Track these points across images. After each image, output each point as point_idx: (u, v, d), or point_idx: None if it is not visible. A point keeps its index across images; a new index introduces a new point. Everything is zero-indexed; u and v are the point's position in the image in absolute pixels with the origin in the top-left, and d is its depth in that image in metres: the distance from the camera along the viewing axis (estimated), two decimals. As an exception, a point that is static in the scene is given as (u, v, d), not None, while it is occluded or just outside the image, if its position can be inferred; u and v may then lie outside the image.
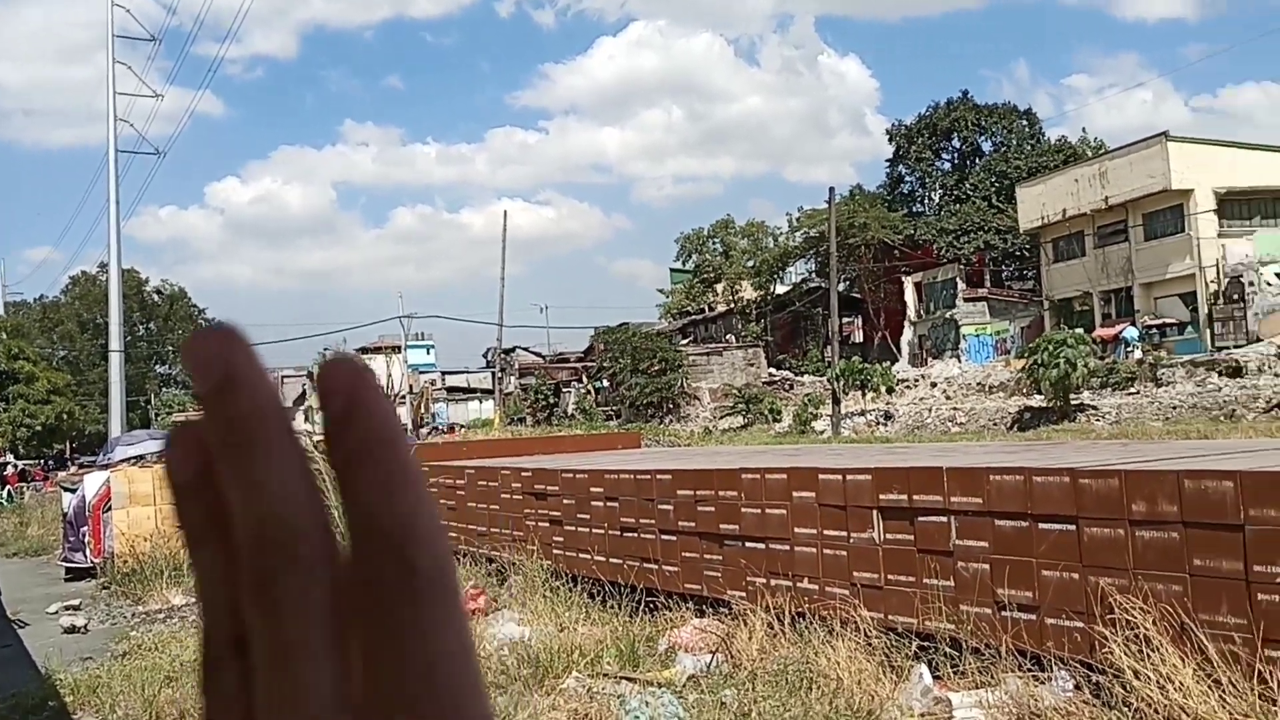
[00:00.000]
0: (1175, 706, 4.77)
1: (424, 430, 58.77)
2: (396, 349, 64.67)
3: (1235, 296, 36.62)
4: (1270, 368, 30.32)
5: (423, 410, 63.36)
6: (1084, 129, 79.83)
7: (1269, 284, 35.89)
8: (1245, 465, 5.57)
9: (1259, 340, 33.59)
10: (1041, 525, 5.89)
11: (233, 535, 0.33)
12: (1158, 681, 4.91)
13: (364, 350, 66.19)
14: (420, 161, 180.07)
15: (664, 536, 8.66)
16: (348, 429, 0.33)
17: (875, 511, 6.93)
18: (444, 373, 73.37)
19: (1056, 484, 5.86)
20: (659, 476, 8.83)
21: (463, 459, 14.79)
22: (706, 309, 68.13)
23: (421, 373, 69.40)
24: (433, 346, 74.84)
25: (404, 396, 60.47)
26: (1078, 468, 5.90)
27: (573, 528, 9.87)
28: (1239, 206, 40.03)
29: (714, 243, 68.38)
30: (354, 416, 0.33)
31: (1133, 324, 40.26)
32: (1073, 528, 5.72)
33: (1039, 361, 30.25)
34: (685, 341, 61.35)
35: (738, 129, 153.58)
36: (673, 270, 73.66)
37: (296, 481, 0.33)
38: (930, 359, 51.70)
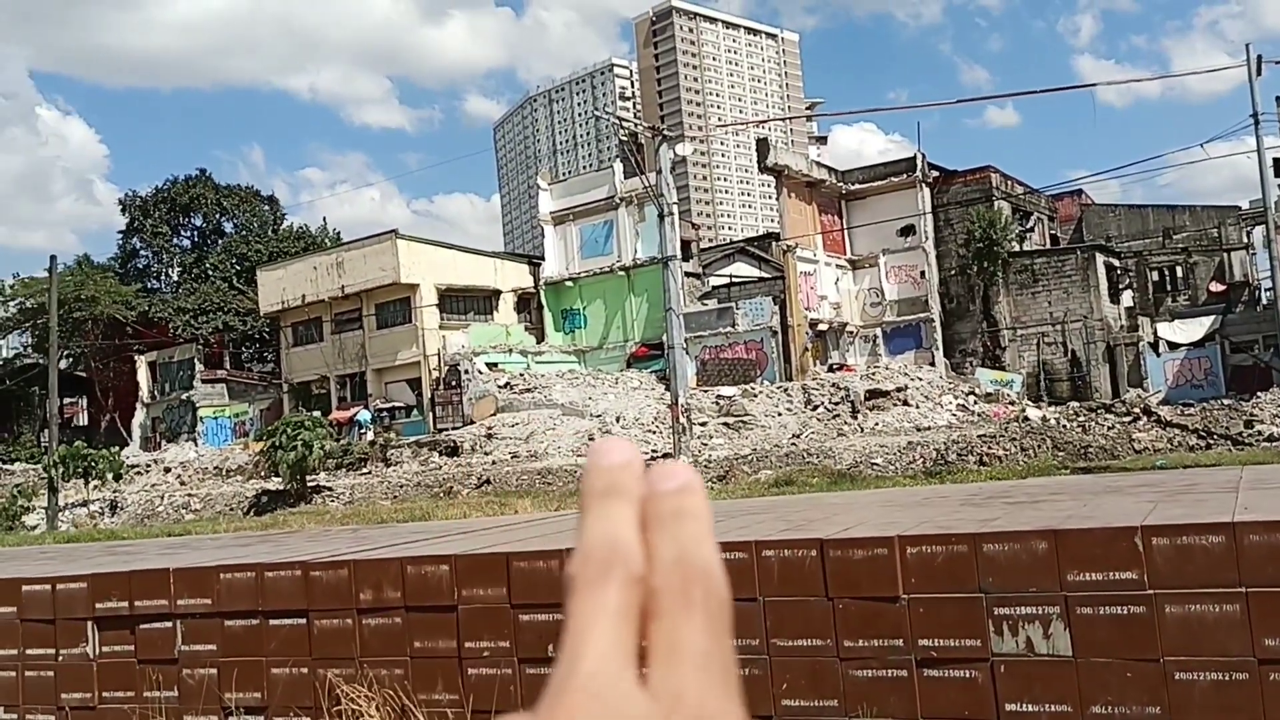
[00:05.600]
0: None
1: None
2: None
3: (453, 383, 40.66)
4: (481, 447, 34.10)
5: None
6: (324, 218, 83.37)
7: (481, 372, 40.50)
8: (459, 548, 6.07)
9: (472, 422, 37.63)
10: (273, 621, 5.78)
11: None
12: (382, 766, 5.05)
13: None
14: None
15: None
16: (683, 496, 0.52)
17: (90, 623, 6.22)
18: None
19: (288, 578, 5.81)
20: None
21: None
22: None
23: None
24: None
25: None
26: (309, 560, 5.91)
27: None
28: (456, 302, 44.76)
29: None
30: (688, 490, 0.52)
31: (366, 407, 42.54)
32: (303, 621, 5.70)
33: (277, 444, 30.33)
34: None
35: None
36: None
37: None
38: (165, 442, 49.07)
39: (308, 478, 30.91)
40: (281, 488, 31.32)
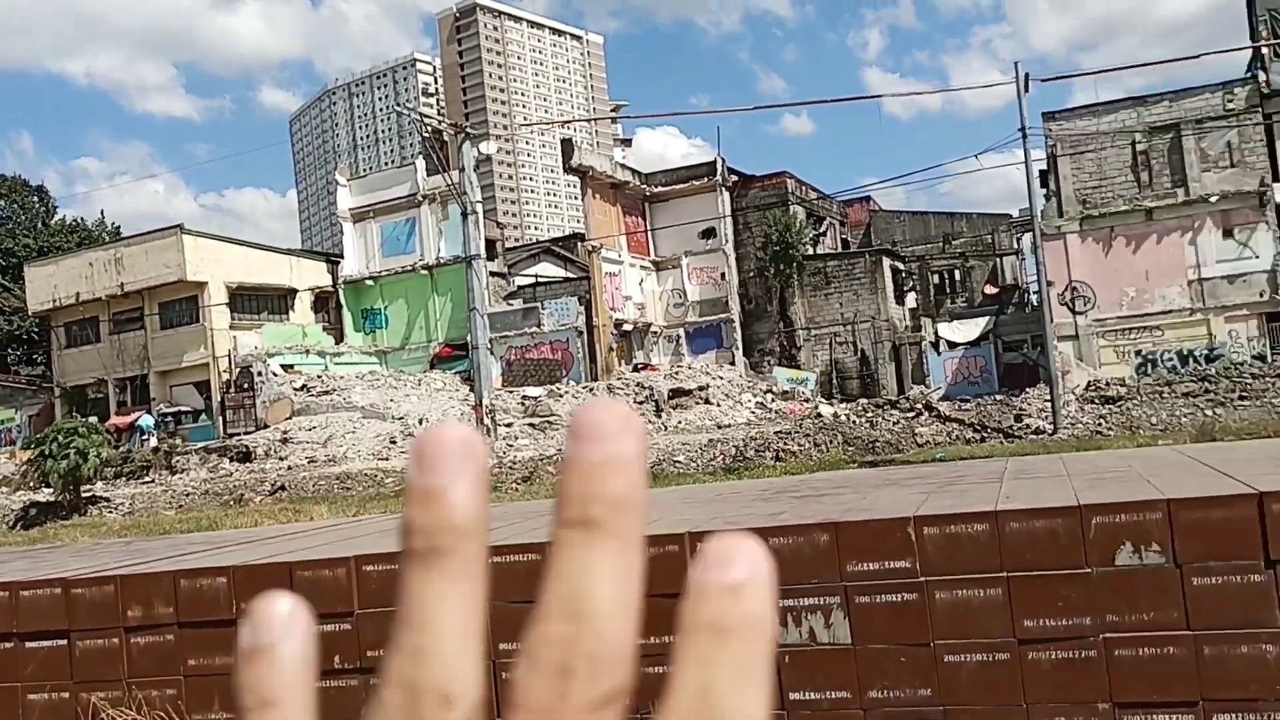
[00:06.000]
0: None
1: None
2: None
3: (245, 385, 38.92)
4: (275, 452, 32.77)
5: None
6: (102, 211, 78.48)
7: (275, 374, 38.93)
8: (240, 558, 5.77)
9: (266, 426, 36.13)
10: (29, 644, 5.34)
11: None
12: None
13: None
14: None
15: None
16: (734, 600, 0.31)
17: None
18: None
19: (47, 596, 5.39)
20: None
21: None
22: None
23: None
24: None
25: None
26: (71, 576, 5.50)
27: None
28: (249, 301, 42.87)
29: None
30: (746, 593, 0.31)
31: (149, 412, 40.18)
32: (64, 642, 5.29)
33: (47, 452, 28.25)
34: None
35: None
36: None
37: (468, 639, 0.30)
38: (-83, 452, 44.99)
39: (83, 488, 28.94)
40: (53, 499, 29.20)
